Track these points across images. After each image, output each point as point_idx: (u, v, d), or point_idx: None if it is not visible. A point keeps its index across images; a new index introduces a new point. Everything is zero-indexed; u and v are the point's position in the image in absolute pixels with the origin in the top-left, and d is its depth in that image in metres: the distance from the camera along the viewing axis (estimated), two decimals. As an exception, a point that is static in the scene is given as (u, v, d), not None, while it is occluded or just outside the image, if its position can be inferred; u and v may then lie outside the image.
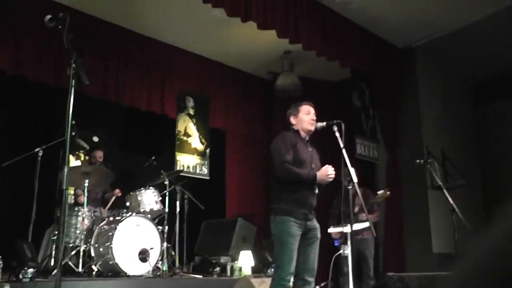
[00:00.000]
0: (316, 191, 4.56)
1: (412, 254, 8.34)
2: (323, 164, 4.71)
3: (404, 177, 8.66)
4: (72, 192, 7.31)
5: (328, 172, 4.45)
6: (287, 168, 4.47)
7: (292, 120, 4.78)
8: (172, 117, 8.71)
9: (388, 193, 6.78)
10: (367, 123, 8.48)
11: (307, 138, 4.76)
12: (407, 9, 7.76)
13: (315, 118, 4.73)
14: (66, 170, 2.89)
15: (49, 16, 3.19)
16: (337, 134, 4.50)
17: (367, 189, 6.92)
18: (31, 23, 6.81)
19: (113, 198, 7.22)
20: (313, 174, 4.45)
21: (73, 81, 3.08)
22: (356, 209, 6.89)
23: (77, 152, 8.12)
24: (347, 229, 5.42)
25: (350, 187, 4.47)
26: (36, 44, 7.09)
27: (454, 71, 9.68)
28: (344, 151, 4.40)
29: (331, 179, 4.49)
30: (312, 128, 4.70)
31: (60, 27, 3.18)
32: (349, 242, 5.21)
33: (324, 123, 4.62)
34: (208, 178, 9.01)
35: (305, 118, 4.71)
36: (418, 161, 6.43)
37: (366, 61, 8.15)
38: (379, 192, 6.88)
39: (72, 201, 7.36)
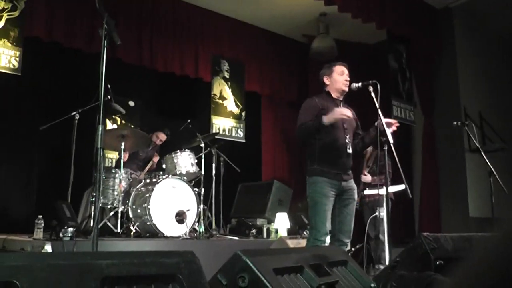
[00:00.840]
0: (350, 151, 4.53)
1: (448, 217, 8.27)
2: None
3: (441, 140, 8.56)
4: (111, 155, 7.45)
5: (336, 111, 4.35)
6: (300, 128, 4.47)
7: (326, 80, 4.73)
8: (207, 80, 8.73)
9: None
10: (403, 86, 8.36)
11: (340, 99, 4.72)
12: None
13: (348, 78, 4.68)
14: (100, 129, 2.92)
15: None
16: (373, 95, 4.44)
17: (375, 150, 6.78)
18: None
19: (149, 165, 7.36)
20: (321, 120, 4.32)
21: (105, 41, 3.09)
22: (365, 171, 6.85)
23: (113, 116, 8.21)
24: (382, 191, 5.41)
25: (385, 148, 4.43)
26: (68, 11, 7.16)
27: (493, 31, 9.43)
28: (380, 111, 4.34)
29: (342, 116, 4.37)
30: (346, 88, 4.64)
31: (91, -12, 3.20)
32: (384, 205, 5.20)
33: (360, 84, 4.56)
34: (243, 141, 9.04)
35: (339, 78, 4.65)
36: (455, 123, 6.32)
37: (403, 22, 8.00)
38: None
39: (110, 164, 7.49)
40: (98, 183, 2.84)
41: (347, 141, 4.52)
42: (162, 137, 7.59)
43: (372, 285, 2.57)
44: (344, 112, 4.32)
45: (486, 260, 0.67)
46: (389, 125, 4.43)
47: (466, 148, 8.22)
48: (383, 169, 6.14)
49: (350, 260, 2.65)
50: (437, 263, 2.88)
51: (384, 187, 4.76)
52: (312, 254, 2.37)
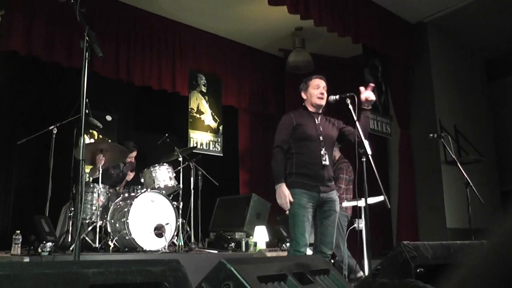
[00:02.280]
0: (326, 162, 4.58)
1: (426, 228, 8.35)
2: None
3: (418, 152, 8.67)
4: (87, 170, 7.39)
5: (284, 198, 4.45)
6: (275, 154, 4.62)
7: (303, 95, 4.81)
8: (184, 94, 8.73)
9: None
10: (379, 99, 8.44)
11: (319, 112, 4.77)
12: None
13: (324, 92, 4.74)
14: (82, 140, 2.92)
15: None
16: (351, 107, 4.50)
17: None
18: (42, 3, 6.83)
19: (123, 183, 7.33)
20: (278, 182, 4.49)
21: (87, 53, 3.09)
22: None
23: (90, 131, 8.18)
24: (361, 203, 5.44)
25: (364, 159, 4.47)
26: (46, 26, 7.11)
27: (467, 45, 9.62)
28: (358, 123, 4.40)
29: (283, 207, 4.53)
30: (321, 102, 4.71)
31: (72, 1, 3.20)
32: (363, 216, 5.23)
33: (338, 96, 4.62)
34: (221, 155, 9.04)
35: (314, 92, 4.72)
36: (431, 135, 6.40)
37: (378, 36, 8.10)
38: None
39: (87, 179, 7.44)
40: (80, 195, 2.83)
41: (322, 153, 4.57)
42: (132, 154, 7.50)
43: (354, 293, 2.60)
44: (285, 202, 4.44)
45: (477, 270, 0.69)
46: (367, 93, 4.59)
47: (442, 160, 8.32)
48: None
49: (331, 269, 2.67)
50: (418, 270, 2.91)
51: (365, 199, 4.76)
52: (294, 262, 2.38)
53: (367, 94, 4.62)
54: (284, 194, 4.45)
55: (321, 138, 4.62)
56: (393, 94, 8.84)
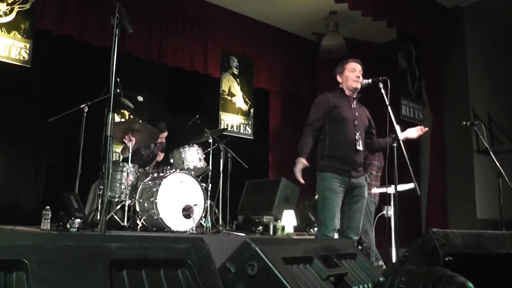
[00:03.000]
0: (360, 147, 4.53)
1: (456, 218, 8.23)
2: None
3: (450, 140, 8.53)
4: (119, 150, 7.44)
5: (298, 173, 4.46)
6: (305, 131, 4.61)
7: (338, 78, 4.78)
8: (216, 76, 8.73)
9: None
10: (413, 85, 8.32)
11: (354, 96, 4.73)
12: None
13: (360, 75, 4.68)
14: (110, 116, 2.92)
15: None
16: (383, 91, 4.45)
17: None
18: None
19: (154, 163, 7.35)
20: (298, 156, 4.50)
21: (117, 30, 3.09)
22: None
23: (122, 111, 8.21)
24: (390, 189, 5.38)
25: (395, 144, 4.40)
26: (79, 4, 7.17)
27: (504, 32, 9.39)
28: (389, 108, 4.34)
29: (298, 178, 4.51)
30: (357, 85, 4.66)
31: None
32: (392, 203, 5.16)
33: (370, 80, 4.58)
34: (252, 138, 9.03)
35: (350, 75, 4.68)
36: (464, 123, 6.29)
37: (413, 21, 7.97)
38: None
39: (117, 158, 7.50)
40: (107, 171, 2.83)
41: (357, 137, 4.53)
42: (163, 134, 7.52)
43: (381, 279, 2.56)
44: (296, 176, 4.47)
45: None
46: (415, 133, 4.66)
47: (474, 148, 8.18)
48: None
49: (358, 253, 2.63)
50: (446, 259, 2.86)
51: (395, 185, 4.69)
52: (321, 245, 2.35)
53: (410, 134, 4.65)
54: (296, 170, 4.46)
55: (356, 122, 4.58)
56: (426, 80, 8.69)
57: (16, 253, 1.37)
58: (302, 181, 4.49)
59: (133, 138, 6.40)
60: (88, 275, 1.43)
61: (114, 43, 3.07)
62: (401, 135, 4.53)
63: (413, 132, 4.68)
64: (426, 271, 2.64)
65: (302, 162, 4.46)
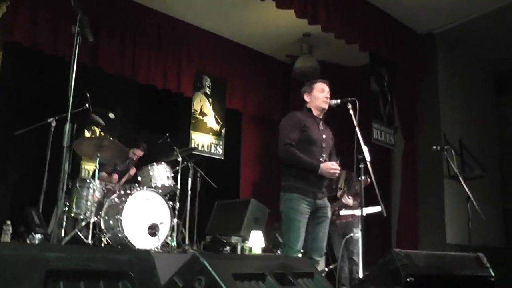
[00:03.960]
0: None
1: (426, 243, 8.22)
2: (336, 144, 4.73)
3: (421, 164, 8.55)
4: (88, 167, 7.35)
5: (331, 167, 4.42)
6: (289, 151, 4.53)
7: (306, 97, 4.77)
8: (188, 95, 8.68)
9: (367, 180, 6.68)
10: (384, 109, 8.37)
11: (320, 117, 4.74)
12: (429, -7, 7.64)
13: (329, 96, 4.69)
14: (67, 127, 2.89)
15: None
16: (351, 112, 4.46)
17: (351, 172, 6.73)
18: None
19: (126, 177, 7.29)
20: (316, 165, 4.45)
21: (78, 38, 3.05)
22: (339, 193, 6.79)
23: (92, 128, 8.13)
24: (357, 212, 5.37)
25: (362, 166, 4.39)
26: (51, 17, 7.09)
27: (477, 58, 9.52)
28: (357, 129, 4.33)
29: (334, 177, 4.49)
30: (326, 106, 4.68)
31: (67, -13, 3.20)
32: (360, 226, 5.13)
33: (339, 100, 4.60)
34: (222, 158, 8.98)
35: (319, 95, 4.69)
36: (434, 147, 6.31)
37: (386, 45, 8.01)
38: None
39: (86, 175, 7.40)
40: (62, 183, 2.79)
41: (322, 160, 4.51)
42: (139, 153, 7.54)
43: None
44: (334, 169, 4.45)
45: None
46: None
47: (445, 174, 8.21)
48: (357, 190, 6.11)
49: (317, 273, 2.59)
50: (408, 279, 2.83)
51: (361, 207, 4.68)
52: (276, 263, 2.31)
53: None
54: (328, 169, 4.42)
55: (323, 144, 4.58)
56: (398, 105, 8.75)
57: None
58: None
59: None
60: (22, 285, 1.36)
61: (74, 52, 3.05)
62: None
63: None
64: (384, 291, 2.61)
65: (325, 164, 4.46)
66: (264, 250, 7.10)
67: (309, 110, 4.76)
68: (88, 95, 6.38)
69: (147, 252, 1.71)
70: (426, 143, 8.14)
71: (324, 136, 4.66)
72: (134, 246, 5.66)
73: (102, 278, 1.53)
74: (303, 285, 2.37)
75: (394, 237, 8.68)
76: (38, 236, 4.69)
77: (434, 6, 7.88)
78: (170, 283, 1.82)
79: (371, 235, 7.02)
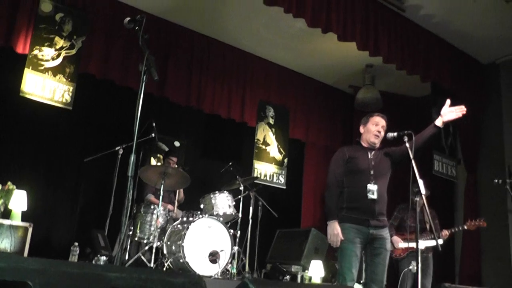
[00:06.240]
0: (373, 196, 4.55)
1: (490, 276, 8.04)
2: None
3: (484, 198, 8.41)
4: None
5: (335, 234, 4.49)
6: (328, 189, 4.69)
7: (361, 128, 4.87)
8: (251, 125, 8.87)
9: (483, 223, 6.66)
10: (446, 140, 8.32)
11: (374, 147, 4.78)
12: (493, 23, 7.60)
13: (381, 131, 4.75)
14: (132, 158, 3.10)
15: (128, 18, 3.48)
16: (407, 145, 4.49)
17: (432, 209, 6.71)
18: (119, 29, 7.16)
19: (177, 195, 7.41)
20: (331, 218, 4.56)
21: (145, 76, 3.29)
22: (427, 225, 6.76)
23: (158, 155, 8.40)
24: (413, 244, 5.37)
25: (417, 199, 4.42)
26: (123, 50, 7.45)
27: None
28: (413, 162, 4.36)
29: (332, 244, 4.54)
30: (375, 140, 4.74)
31: (136, 28, 3.45)
32: (419, 259, 5.12)
33: (396, 133, 4.63)
34: (284, 187, 9.09)
35: (372, 128, 4.76)
36: (496, 180, 6.27)
37: (448, 75, 7.97)
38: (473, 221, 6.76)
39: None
40: (126, 209, 3.00)
41: (369, 186, 4.55)
42: (174, 159, 7.54)
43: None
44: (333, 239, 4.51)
45: None
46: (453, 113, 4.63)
47: (509, 208, 8.05)
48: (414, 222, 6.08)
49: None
50: (456, 313, 2.87)
51: (416, 240, 4.69)
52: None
53: (448, 116, 4.69)
54: (335, 232, 4.47)
55: (371, 172, 4.61)
56: (461, 136, 8.67)
57: (23, 275, 1.49)
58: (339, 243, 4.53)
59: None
60: (87, 301, 1.53)
61: (140, 88, 3.28)
62: (439, 121, 4.66)
63: (451, 114, 4.64)
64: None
65: (337, 225, 4.52)
66: (323, 279, 7.14)
67: (358, 142, 4.86)
68: (154, 124, 6.64)
69: (199, 276, 1.85)
70: (489, 176, 7.99)
71: (373, 163, 4.70)
72: (195, 272, 5.82)
73: (158, 298, 1.69)
74: (351, 313, 2.45)
75: (457, 270, 8.53)
76: (103, 258, 4.92)
77: (498, 35, 7.84)
78: (221, 306, 1.96)
79: (435, 269, 6.95)
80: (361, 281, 5.57)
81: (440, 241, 5.19)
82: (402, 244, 6.55)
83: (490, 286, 7.76)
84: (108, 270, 1.62)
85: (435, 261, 6.80)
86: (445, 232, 6.58)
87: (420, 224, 6.19)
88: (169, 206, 7.17)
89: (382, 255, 4.58)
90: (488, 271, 8.11)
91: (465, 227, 6.70)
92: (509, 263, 7.90)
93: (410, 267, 6.17)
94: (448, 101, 4.59)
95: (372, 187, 4.55)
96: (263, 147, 8.94)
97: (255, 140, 8.84)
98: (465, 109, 4.59)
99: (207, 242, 6.11)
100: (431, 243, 6.22)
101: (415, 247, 6.36)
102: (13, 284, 1.48)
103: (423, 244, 6.27)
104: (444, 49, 8.08)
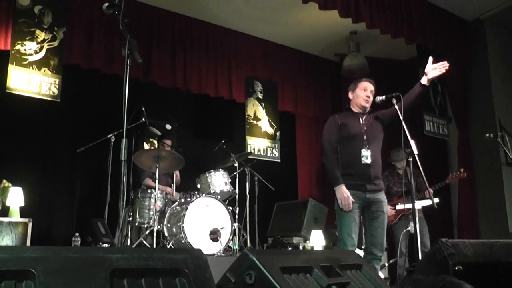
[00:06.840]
0: (367, 161, 4.59)
1: (487, 233, 8.11)
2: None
3: (477, 153, 8.43)
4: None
5: (344, 197, 4.51)
6: (326, 156, 4.73)
7: (350, 95, 4.91)
8: (240, 101, 8.87)
9: (463, 174, 6.70)
10: (435, 100, 8.35)
11: (364, 112, 4.82)
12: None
13: (370, 95, 4.80)
14: (124, 142, 3.13)
15: (106, 4, 3.48)
16: (396, 107, 4.52)
17: (416, 169, 6.76)
18: (99, 18, 7.16)
19: (175, 177, 7.42)
20: (337, 183, 4.58)
21: (128, 60, 3.30)
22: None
23: (150, 140, 8.41)
24: (409, 205, 5.43)
25: (410, 159, 4.46)
26: (105, 40, 7.40)
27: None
28: (403, 123, 4.39)
29: (345, 208, 4.54)
30: (366, 104, 4.79)
31: (116, 12, 3.46)
32: (416, 219, 5.17)
33: (384, 97, 4.67)
34: (279, 160, 9.13)
35: (361, 93, 4.81)
36: (487, 135, 6.30)
37: (432, 36, 7.95)
38: (453, 174, 6.81)
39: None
40: (122, 194, 3.03)
41: (363, 151, 4.60)
42: (168, 142, 7.55)
43: (387, 288, 2.63)
44: (345, 204, 4.50)
45: None
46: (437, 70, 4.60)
47: (502, 161, 8.10)
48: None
49: (365, 265, 2.70)
50: (456, 268, 2.90)
51: (412, 201, 4.74)
52: (323, 256, 2.45)
53: (432, 74, 4.63)
54: (345, 195, 4.50)
55: (364, 137, 4.66)
56: (449, 95, 8.69)
57: (25, 264, 1.52)
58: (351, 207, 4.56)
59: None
60: (91, 283, 1.56)
61: (126, 72, 3.29)
62: (424, 79, 4.63)
63: (434, 71, 4.62)
64: (432, 279, 2.70)
65: (345, 188, 4.55)
66: (325, 248, 7.21)
67: (348, 109, 4.89)
68: (143, 109, 6.64)
69: (199, 251, 1.89)
70: (481, 131, 8.03)
71: (365, 128, 4.74)
72: (198, 251, 5.87)
73: (160, 275, 1.72)
74: (351, 277, 2.49)
75: (455, 228, 8.62)
76: (105, 245, 4.96)
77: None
78: (224, 279, 2.00)
79: (433, 229, 7.03)
80: (362, 247, 5.65)
81: (436, 200, 5.20)
82: (392, 210, 6.63)
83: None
84: (110, 252, 1.65)
85: (434, 221, 6.88)
86: (430, 190, 6.63)
87: (406, 187, 6.28)
88: (168, 189, 7.20)
89: (380, 218, 4.65)
90: (485, 225, 8.19)
91: (447, 181, 6.75)
92: (505, 216, 7.99)
93: (409, 228, 6.21)
94: (430, 59, 4.59)
95: (365, 152, 4.61)
96: (254, 122, 8.96)
97: (246, 116, 8.85)
98: (447, 64, 4.59)
99: (206, 221, 6.18)
100: (424, 202, 6.28)
101: (404, 209, 6.49)
102: (17, 273, 1.51)
103: (419, 204, 6.34)
104: (427, 9, 8.04)
